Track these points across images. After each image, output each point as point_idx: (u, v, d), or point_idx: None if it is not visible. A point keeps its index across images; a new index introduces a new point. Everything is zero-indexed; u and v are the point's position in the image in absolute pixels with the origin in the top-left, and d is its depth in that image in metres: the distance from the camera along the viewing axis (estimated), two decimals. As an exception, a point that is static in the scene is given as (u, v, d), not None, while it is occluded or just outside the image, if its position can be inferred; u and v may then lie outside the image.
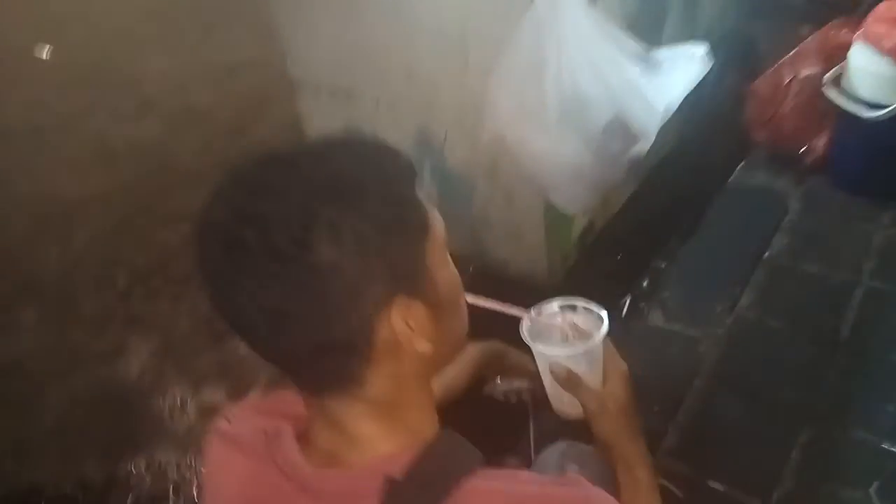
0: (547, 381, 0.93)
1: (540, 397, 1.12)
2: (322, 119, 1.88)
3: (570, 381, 0.89)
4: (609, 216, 1.99)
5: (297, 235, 0.56)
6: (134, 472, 1.78)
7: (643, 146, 1.46)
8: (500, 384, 1.14)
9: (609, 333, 0.88)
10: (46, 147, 3.14)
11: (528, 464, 1.10)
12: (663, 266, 1.98)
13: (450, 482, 0.60)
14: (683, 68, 1.39)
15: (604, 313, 0.90)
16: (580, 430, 0.96)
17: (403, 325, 0.62)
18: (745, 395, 1.51)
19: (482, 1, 1.45)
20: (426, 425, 0.68)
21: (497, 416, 1.44)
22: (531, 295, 1.88)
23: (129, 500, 1.69)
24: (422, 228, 0.64)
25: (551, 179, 1.49)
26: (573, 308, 0.93)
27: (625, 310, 1.83)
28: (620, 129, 1.43)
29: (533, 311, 0.91)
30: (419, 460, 0.61)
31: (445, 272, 0.67)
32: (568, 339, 0.91)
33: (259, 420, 0.71)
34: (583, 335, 0.90)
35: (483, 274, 2.05)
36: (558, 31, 1.37)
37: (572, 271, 1.87)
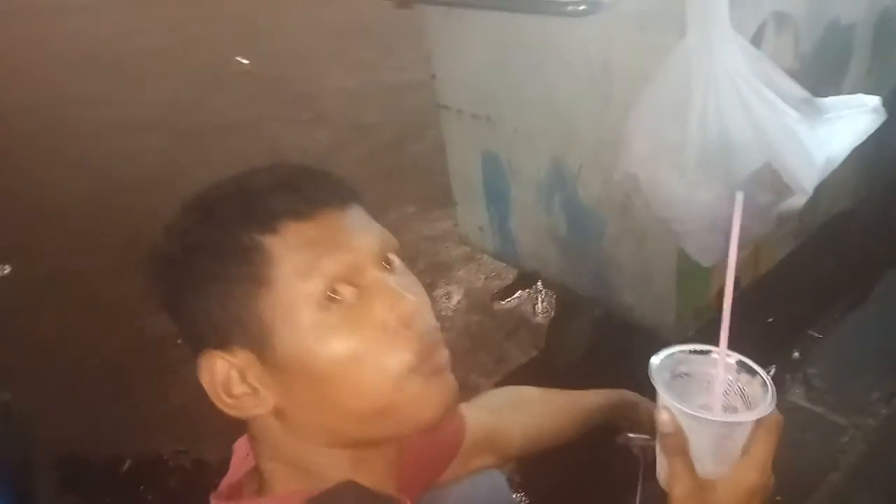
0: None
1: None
2: (463, 142, 1.89)
3: (675, 444, 0.64)
4: (758, 275, 1.81)
5: (163, 258, 0.63)
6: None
7: (797, 201, 1.30)
8: (633, 437, 1.05)
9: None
10: (224, 146, 3.48)
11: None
12: (818, 337, 1.77)
13: None
14: (851, 119, 1.23)
15: (769, 380, 0.67)
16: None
17: (210, 382, 0.60)
18: (889, 502, 1.29)
19: (629, 34, 1.39)
20: (334, 475, 0.63)
21: (607, 470, 1.35)
22: (654, 346, 1.76)
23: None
24: (250, 283, 0.59)
25: (685, 226, 1.37)
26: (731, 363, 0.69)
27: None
28: (771, 180, 1.29)
29: (672, 351, 0.70)
30: None
31: (306, 339, 0.58)
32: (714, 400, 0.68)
33: None
34: (730, 402, 0.68)
35: (607, 318, 1.94)
36: (709, 68, 1.27)
37: (707, 329, 1.72)
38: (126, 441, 2.02)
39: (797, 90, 1.30)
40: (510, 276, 2.31)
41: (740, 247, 1.52)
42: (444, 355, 0.63)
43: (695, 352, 0.69)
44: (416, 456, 0.76)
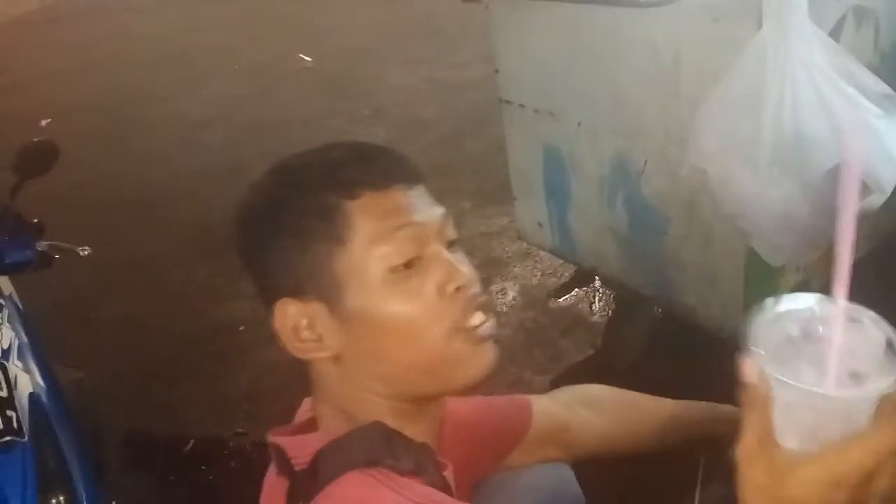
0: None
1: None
2: (524, 136, 1.88)
3: (752, 398, 0.51)
4: (829, 279, 1.75)
5: (245, 215, 0.71)
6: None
7: (875, 200, 1.26)
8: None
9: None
10: (290, 140, 3.55)
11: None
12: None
13: (335, 472, 0.63)
14: (938, 113, 1.18)
15: None
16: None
17: (283, 325, 0.67)
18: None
19: (701, 25, 1.36)
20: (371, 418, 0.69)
21: (664, 470, 1.33)
22: (719, 350, 1.72)
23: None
24: (330, 240, 0.66)
25: (756, 224, 1.34)
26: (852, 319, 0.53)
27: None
28: (848, 178, 1.25)
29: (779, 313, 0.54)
30: (325, 448, 0.65)
31: (373, 296, 0.66)
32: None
33: None
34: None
35: (668, 318, 1.91)
36: (785, 63, 1.24)
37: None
38: (189, 422, 2.08)
39: (878, 85, 1.25)
40: (567, 273, 2.29)
41: (813, 246, 1.48)
42: (489, 325, 0.70)
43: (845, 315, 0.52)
44: (474, 437, 0.82)
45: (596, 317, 2.24)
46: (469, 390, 0.71)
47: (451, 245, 0.71)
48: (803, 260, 1.59)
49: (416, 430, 0.70)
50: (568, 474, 1.04)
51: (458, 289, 0.67)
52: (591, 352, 2.10)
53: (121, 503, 1.34)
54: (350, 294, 0.66)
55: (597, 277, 2.10)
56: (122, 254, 2.91)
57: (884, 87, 1.23)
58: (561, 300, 2.29)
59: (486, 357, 0.69)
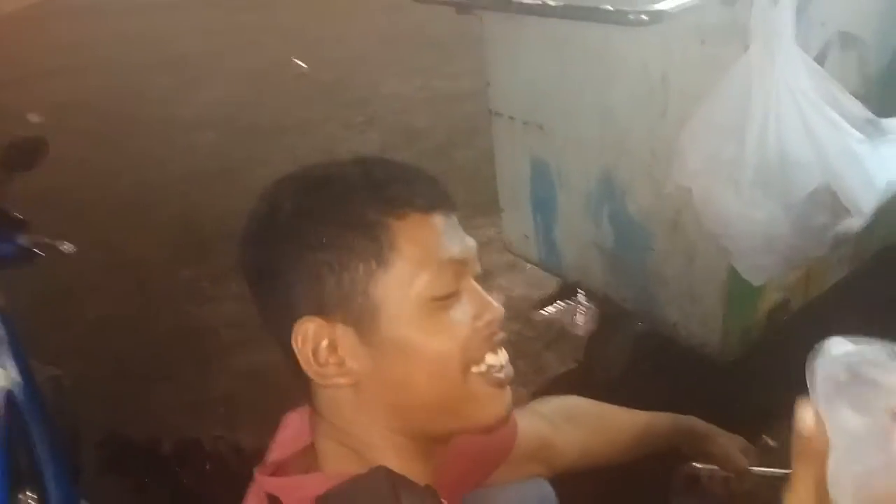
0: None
1: (742, 492, 1.02)
2: (513, 149, 1.89)
3: (806, 449, 0.49)
4: (810, 297, 1.76)
5: (266, 220, 0.64)
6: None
7: (854, 223, 1.28)
8: (700, 468, 1.06)
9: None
10: (283, 146, 3.55)
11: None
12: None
13: None
14: (917, 140, 1.20)
15: None
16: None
17: (304, 345, 0.61)
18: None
19: (689, 46, 1.38)
20: (383, 461, 0.64)
21: (635, 493, 1.33)
22: (699, 366, 1.73)
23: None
24: (372, 260, 0.61)
25: (738, 244, 1.35)
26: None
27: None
28: (828, 201, 1.26)
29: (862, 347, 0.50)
30: (326, 495, 0.60)
31: (408, 325, 0.61)
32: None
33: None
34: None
35: (650, 333, 1.92)
36: (770, 86, 1.26)
37: (754, 350, 1.68)
38: (166, 424, 2.07)
39: (860, 110, 1.27)
40: (552, 286, 2.30)
41: (793, 266, 1.49)
42: (510, 370, 0.68)
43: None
44: (461, 454, 0.78)
45: (580, 330, 2.24)
46: (484, 433, 0.69)
47: (476, 278, 0.68)
48: (784, 279, 1.61)
49: (421, 470, 0.66)
50: (548, 491, 1.04)
51: (490, 328, 0.65)
52: (574, 365, 2.10)
53: (91, 501, 1.31)
54: (385, 320, 0.61)
55: (581, 291, 2.11)
56: (108, 253, 2.89)
57: (866, 113, 1.25)
58: (545, 312, 2.30)
59: (505, 402, 0.67)
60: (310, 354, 0.62)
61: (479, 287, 0.66)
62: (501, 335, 0.67)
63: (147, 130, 4.00)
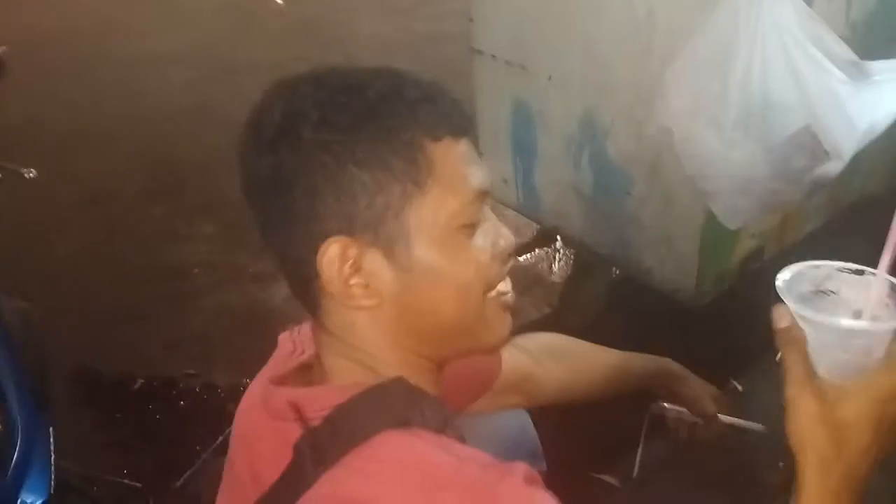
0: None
1: (707, 438, 1.04)
2: (494, 89, 1.86)
3: (788, 337, 0.59)
4: (786, 245, 1.77)
5: (285, 128, 0.59)
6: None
7: (833, 167, 1.27)
8: (668, 408, 1.07)
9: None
10: (258, 83, 3.42)
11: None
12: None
13: (367, 431, 0.57)
14: (900, 83, 1.18)
15: None
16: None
17: (333, 266, 0.59)
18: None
19: (677, -19, 1.34)
20: (392, 373, 0.63)
21: (609, 430, 1.35)
22: (671, 311, 1.74)
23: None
24: (409, 183, 0.59)
25: (715, 185, 1.34)
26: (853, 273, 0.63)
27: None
28: (809, 143, 1.25)
29: (819, 264, 0.63)
30: (347, 403, 0.59)
31: (438, 250, 0.60)
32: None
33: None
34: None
35: (625, 279, 1.93)
36: (757, 25, 1.23)
37: (726, 296, 1.70)
38: (139, 361, 2.05)
39: (845, 52, 1.25)
40: (529, 232, 2.29)
41: (769, 210, 1.49)
42: (512, 295, 0.69)
43: (847, 270, 0.63)
44: (449, 379, 0.79)
45: (555, 276, 2.25)
46: (486, 353, 0.71)
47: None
48: (759, 225, 1.61)
49: (430, 387, 0.66)
50: (527, 421, 1.07)
51: (505, 254, 0.66)
52: (549, 311, 2.12)
53: (59, 433, 1.30)
54: (417, 244, 0.60)
55: (558, 237, 2.11)
56: (78, 188, 2.82)
57: (851, 55, 1.23)
58: (521, 259, 2.30)
59: (507, 325, 0.69)
60: (335, 274, 0.59)
61: (493, 216, 0.66)
62: (512, 261, 0.68)
63: (120, 64, 3.86)
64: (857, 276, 0.62)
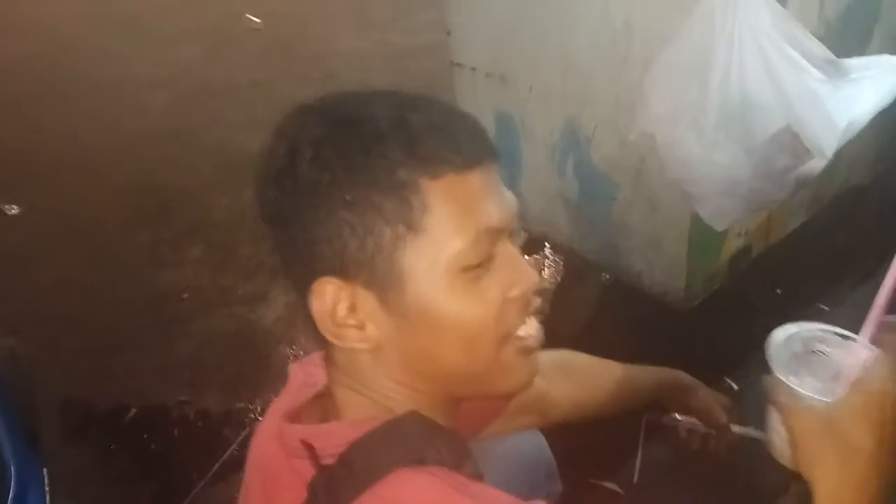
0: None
1: (718, 449, 1.04)
2: (475, 101, 1.86)
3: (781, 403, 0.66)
4: (773, 242, 1.79)
5: (286, 164, 0.57)
6: (251, 410, 1.89)
7: (815, 165, 1.28)
8: (681, 419, 1.06)
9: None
10: (238, 104, 3.44)
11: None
12: (827, 310, 1.75)
13: (381, 469, 0.56)
14: (876, 80, 1.20)
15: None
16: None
17: (323, 307, 0.58)
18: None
19: (652, -12, 1.35)
20: (399, 410, 0.61)
21: (608, 437, 1.35)
22: (662, 314, 1.74)
23: (241, 435, 1.80)
24: (400, 225, 0.56)
25: (700, 188, 1.35)
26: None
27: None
28: (790, 143, 1.26)
29: (810, 327, 0.70)
30: (361, 440, 0.58)
31: (437, 294, 0.57)
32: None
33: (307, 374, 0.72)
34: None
35: (615, 284, 1.93)
36: (733, 28, 1.24)
37: (716, 297, 1.70)
38: (130, 391, 2.03)
39: (821, 50, 1.26)
40: (518, 241, 2.29)
41: (755, 210, 1.50)
42: (541, 336, 0.64)
43: (837, 334, 0.69)
44: (465, 403, 0.77)
45: (545, 283, 2.25)
46: (505, 398, 0.68)
47: (510, 235, 0.63)
48: (745, 224, 1.62)
49: (445, 418, 0.64)
50: (542, 441, 1.06)
51: (526, 296, 0.61)
52: (540, 318, 2.11)
53: (54, 470, 1.28)
54: (411, 288, 0.56)
55: (547, 244, 2.11)
56: (60, 219, 2.79)
57: (827, 53, 1.25)
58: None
59: (529, 370, 0.64)
60: (327, 316, 0.58)
61: (514, 251, 0.61)
62: (537, 302, 0.63)
63: (96, 91, 3.83)
64: (842, 340, 0.68)
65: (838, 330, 0.69)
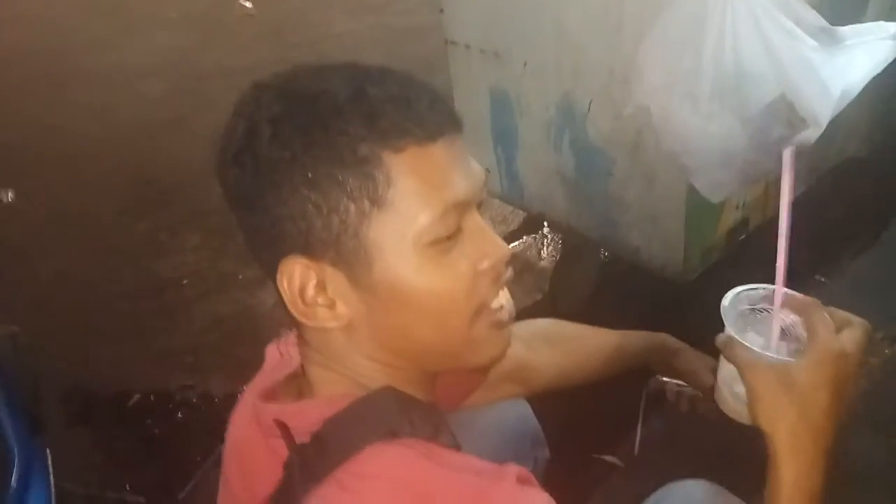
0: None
1: (707, 411, 1.04)
2: (470, 79, 1.85)
3: (733, 354, 0.73)
4: (769, 215, 1.78)
5: (245, 144, 0.57)
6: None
7: (811, 134, 1.27)
8: (667, 382, 1.07)
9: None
10: (232, 90, 3.42)
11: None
12: (824, 281, 1.76)
13: (354, 445, 0.56)
14: (871, 46, 1.18)
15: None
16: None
17: (292, 286, 0.57)
18: (890, 437, 1.29)
19: (644, -42, 1.34)
20: (373, 386, 0.61)
21: (608, 410, 1.36)
22: (661, 288, 1.75)
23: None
24: (365, 200, 0.55)
25: (695, 160, 1.34)
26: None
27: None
28: (785, 112, 1.25)
29: (736, 294, 0.78)
30: (334, 417, 0.58)
31: (405, 270, 0.56)
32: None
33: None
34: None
35: (614, 261, 1.94)
36: (726, -4, 1.23)
37: (714, 270, 1.71)
38: (133, 376, 2.04)
39: (815, 18, 1.25)
40: (516, 220, 2.30)
41: (751, 181, 1.50)
42: (513, 309, 0.64)
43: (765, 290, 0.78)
44: (443, 376, 0.77)
45: (545, 262, 2.26)
46: (481, 371, 0.68)
47: (478, 207, 0.61)
48: (742, 196, 1.62)
49: (420, 392, 0.64)
50: (526, 410, 1.07)
51: (496, 268, 0.60)
52: (539, 296, 2.12)
53: (57, 455, 1.30)
54: (378, 264, 0.56)
55: (545, 222, 2.11)
56: (58, 208, 2.79)
57: (821, 21, 1.23)
58: (510, 247, 2.30)
59: (502, 343, 0.64)
60: (296, 296, 0.57)
61: (483, 222, 0.60)
62: (508, 274, 0.62)
63: (88, 80, 3.82)
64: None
65: (782, 289, 0.76)
